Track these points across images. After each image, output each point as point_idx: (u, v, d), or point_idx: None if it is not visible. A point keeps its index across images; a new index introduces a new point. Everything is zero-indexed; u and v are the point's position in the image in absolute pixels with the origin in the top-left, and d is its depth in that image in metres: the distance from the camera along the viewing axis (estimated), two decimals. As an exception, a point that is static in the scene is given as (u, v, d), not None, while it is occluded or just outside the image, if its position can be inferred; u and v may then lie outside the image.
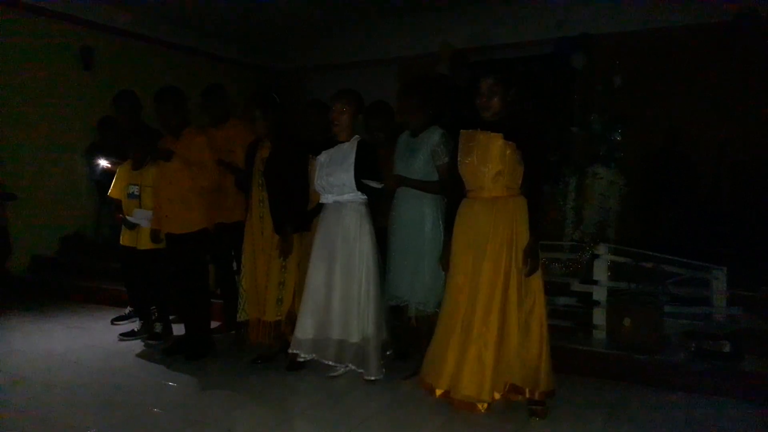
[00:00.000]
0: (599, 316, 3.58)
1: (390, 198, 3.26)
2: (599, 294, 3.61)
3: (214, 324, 4.02)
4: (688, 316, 3.57)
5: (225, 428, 2.60)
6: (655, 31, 6.15)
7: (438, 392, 2.79)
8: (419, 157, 3.10)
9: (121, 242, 4.04)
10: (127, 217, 3.90)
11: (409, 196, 3.15)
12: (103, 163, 4.25)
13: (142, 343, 3.94)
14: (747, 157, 5.69)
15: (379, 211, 3.31)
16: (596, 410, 2.81)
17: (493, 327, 2.63)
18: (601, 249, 3.67)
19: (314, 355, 3.23)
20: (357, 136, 3.24)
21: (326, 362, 3.20)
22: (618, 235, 4.29)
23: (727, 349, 3.14)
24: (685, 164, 5.58)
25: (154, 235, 3.72)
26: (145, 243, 3.84)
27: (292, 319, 3.37)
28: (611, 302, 3.53)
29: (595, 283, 3.63)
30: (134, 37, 6.96)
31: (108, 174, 4.29)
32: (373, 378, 3.11)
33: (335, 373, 3.23)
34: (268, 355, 3.49)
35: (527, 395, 2.68)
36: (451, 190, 2.94)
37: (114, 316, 4.47)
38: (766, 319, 3.50)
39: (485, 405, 2.66)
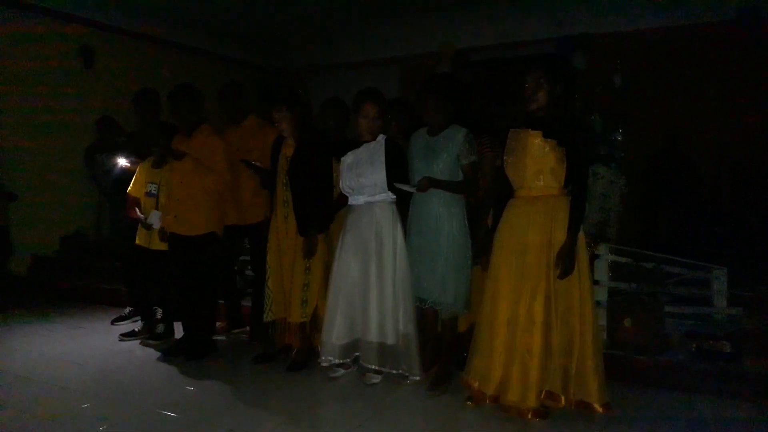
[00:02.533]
0: (600, 316, 3.58)
1: (407, 199, 3.18)
2: (600, 294, 3.61)
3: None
4: (688, 317, 3.58)
5: (226, 428, 2.60)
6: (655, 30, 6.15)
7: (487, 397, 2.72)
8: (443, 157, 2.99)
9: (136, 242, 3.96)
10: (143, 218, 3.84)
11: (431, 197, 3.01)
12: (123, 162, 4.14)
13: (143, 343, 3.94)
14: (747, 157, 5.70)
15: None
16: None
17: (537, 333, 2.56)
18: (602, 249, 3.67)
19: (347, 360, 3.16)
20: (382, 135, 3.17)
21: (368, 366, 3.10)
22: (618, 235, 4.29)
23: (727, 349, 3.14)
24: (685, 165, 5.59)
25: (162, 234, 3.70)
26: (157, 243, 3.80)
27: (316, 321, 3.31)
28: (612, 302, 3.53)
29: (596, 283, 3.62)
30: (135, 37, 6.96)
31: (116, 173, 4.24)
32: (417, 378, 3.05)
33: (336, 374, 3.22)
34: (268, 354, 3.49)
35: (562, 403, 2.64)
36: (498, 191, 2.87)
37: (114, 317, 4.47)
38: (766, 319, 3.50)
39: (532, 411, 2.59)
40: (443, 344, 3.14)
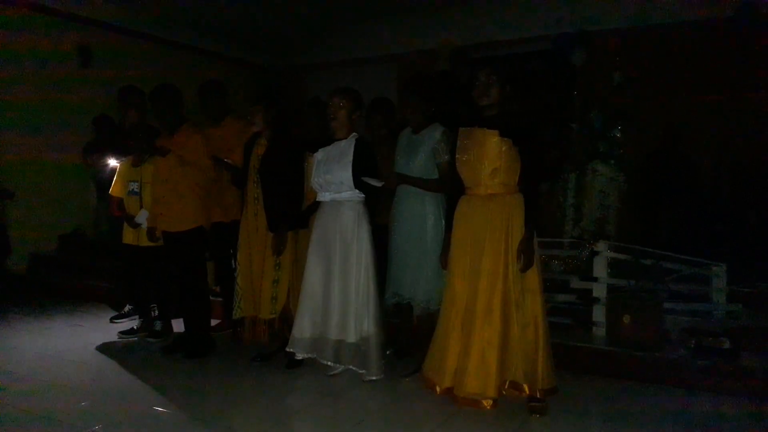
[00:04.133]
0: (599, 313, 3.59)
1: (391, 196, 3.24)
2: (599, 291, 3.61)
3: (214, 322, 4.02)
4: (687, 313, 3.57)
5: (225, 426, 2.60)
6: (654, 27, 6.13)
7: (439, 389, 2.80)
8: (420, 154, 3.09)
9: (123, 240, 4.03)
10: (131, 216, 3.90)
11: (410, 194, 3.13)
12: (113, 162, 4.19)
13: (142, 342, 3.94)
14: (747, 156, 5.68)
15: (379, 209, 3.28)
16: (596, 407, 2.81)
17: (495, 325, 2.63)
18: (601, 246, 3.66)
19: (311, 355, 3.21)
20: (355, 133, 3.22)
21: (324, 362, 3.18)
22: (618, 232, 4.29)
23: (726, 345, 3.14)
24: (685, 164, 5.57)
25: (151, 234, 3.71)
26: (145, 240, 3.84)
27: (286, 317, 3.36)
28: (611, 299, 3.53)
29: (595, 280, 3.63)
30: (132, 35, 6.94)
31: (109, 171, 4.26)
32: (373, 378, 3.10)
33: (334, 372, 3.22)
34: (266, 353, 3.48)
35: (527, 392, 2.68)
36: (450, 188, 2.94)
37: (113, 315, 4.46)
38: (765, 315, 3.50)
39: (490, 402, 2.65)
40: (422, 338, 3.18)
